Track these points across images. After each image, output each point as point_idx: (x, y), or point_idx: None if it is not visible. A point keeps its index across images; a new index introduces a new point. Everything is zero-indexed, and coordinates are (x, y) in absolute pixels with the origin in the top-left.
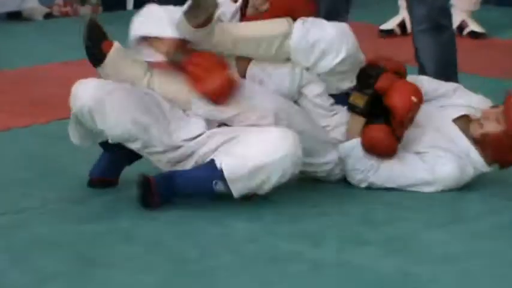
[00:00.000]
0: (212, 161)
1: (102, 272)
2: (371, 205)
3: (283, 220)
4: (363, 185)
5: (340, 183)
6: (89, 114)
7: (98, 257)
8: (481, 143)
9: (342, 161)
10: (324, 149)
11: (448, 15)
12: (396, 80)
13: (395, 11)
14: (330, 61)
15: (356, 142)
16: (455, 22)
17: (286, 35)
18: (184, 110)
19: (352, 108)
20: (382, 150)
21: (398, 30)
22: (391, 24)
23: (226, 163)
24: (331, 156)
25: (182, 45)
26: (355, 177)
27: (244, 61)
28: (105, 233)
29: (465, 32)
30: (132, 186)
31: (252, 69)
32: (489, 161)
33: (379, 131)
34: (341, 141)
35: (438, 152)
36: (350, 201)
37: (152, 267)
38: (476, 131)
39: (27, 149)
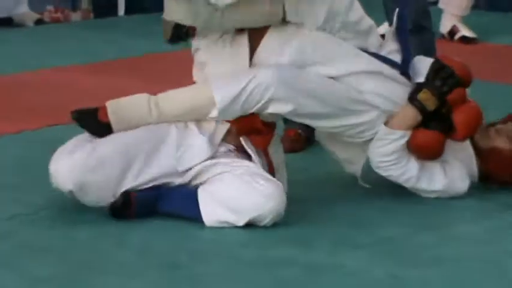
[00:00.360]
0: (196, 201)
1: (94, 277)
2: (363, 209)
3: (275, 224)
4: (381, 172)
5: (332, 188)
6: (70, 194)
7: (89, 263)
8: (484, 155)
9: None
10: (358, 109)
11: (429, 17)
12: (468, 100)
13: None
14: None
15: (403, 134)
16: (446, 27)
17: None
18: (198, 121)
19: (417, 104)
20: (428, 156)
21: None
22: (383, 29)
23: (208, 219)
24: (366, 118)
25: None
26: (378, 163)
27: (257, 36)
28: (96, 239)
29: (456, 36)
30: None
31: (267, 40)
32: (480, 173)
33: (435, 138)
34: (374, 107)
35: (456, 163)
36: (342, 205)
37: (144, 273)
38: (486, 142)
39: (18, 155)
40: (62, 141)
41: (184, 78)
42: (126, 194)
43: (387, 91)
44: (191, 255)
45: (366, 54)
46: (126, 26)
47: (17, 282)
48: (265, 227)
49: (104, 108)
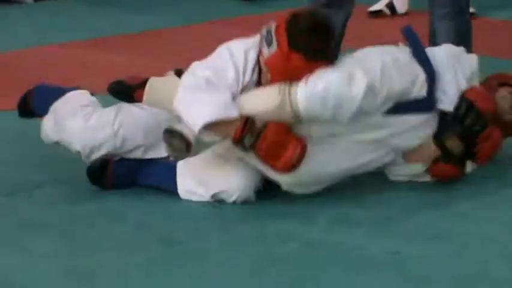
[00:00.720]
0: (175, 173)
1: (93, 252)
2: (362, 186)
3: (273, 200)
4: (391, 178)
5: None
6: (77, 153)
7: (88, 238)
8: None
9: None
10: (387, 160)
11: None
12: (494, 135)
13: None
14: (347, 110)
15: (422, 166)
16: None
17: (281, 106)
18: None
19: (443, 148)
20: (446, 180)
21: (387, 11)
22: (380, 5)
23: (182, 192)
24: (388, 160)
25: (251, 123)
26: (393, 177)
27: None
28: (94, 214)
29: None
30: None
31: None
32: None
33: (456, 171)
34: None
35: None
36: (341, 182)
37: (142, 248)
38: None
39: (16, 131)
40: None
41: (182, 54)
42: (104, 161)
43: (416, 138)
44: (189, 231)
45: (398, 120)
46: (125, 1)
47: (17, 259)
48: (262, 203)
49: (141, 92)
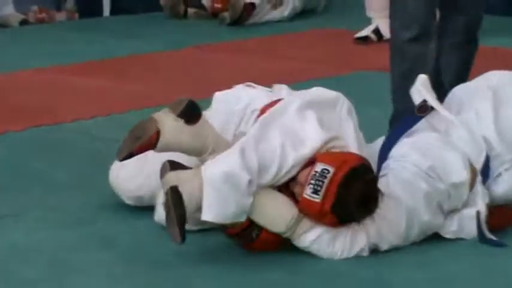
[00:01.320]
0: None
1: (81, 278)
2: None
3: None
4: None
5: None
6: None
7: (76, 264)
8: None
9: None
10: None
11: (480, 27)
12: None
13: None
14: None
15: None
16: None
17: (282, 233)
18: None
19: None
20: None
21: (374, 37)
22: (366, 31)
23: None
24: None
25: (248, 232)
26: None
27: None
28: (82, 239)
29: None
30: (108, 192)
31: None
32: None
33: None
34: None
35: None
36: None
37: (130, 274)
38: None
39: (4, 156)
40: (47, 142)
41: (168, 78)
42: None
43: None
44: (178, 257)
45: None
46: (111, 26)
47: (3, 285)
48: None
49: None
